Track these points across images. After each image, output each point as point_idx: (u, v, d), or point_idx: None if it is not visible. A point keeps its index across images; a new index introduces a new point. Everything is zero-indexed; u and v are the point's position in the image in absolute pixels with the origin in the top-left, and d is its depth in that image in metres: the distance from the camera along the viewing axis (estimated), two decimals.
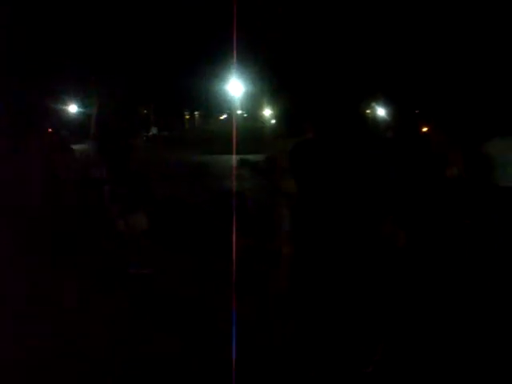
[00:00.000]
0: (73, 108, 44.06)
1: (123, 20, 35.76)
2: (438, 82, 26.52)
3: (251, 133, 33.38)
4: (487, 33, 24.71)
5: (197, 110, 59.86)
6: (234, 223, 7.06)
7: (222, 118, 64.46)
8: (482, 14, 24.80)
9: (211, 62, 36.13)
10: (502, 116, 7.24)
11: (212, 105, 48.52)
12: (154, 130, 45.79)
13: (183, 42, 37.19)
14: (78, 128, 35.07)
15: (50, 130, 9.38)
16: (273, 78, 37.92)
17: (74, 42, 34.65)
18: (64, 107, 41.06)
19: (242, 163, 15.70)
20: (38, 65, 32.55)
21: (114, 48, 36.67)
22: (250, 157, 18.05)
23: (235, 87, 36.70)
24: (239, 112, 52.14)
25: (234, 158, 14.85)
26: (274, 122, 53.56)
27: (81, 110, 44.71)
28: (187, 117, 59.35)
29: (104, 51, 36.66)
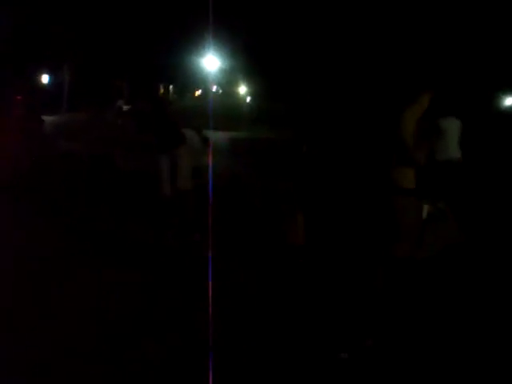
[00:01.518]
0: (45, 78, 43.22)
1: None
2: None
3: (228, 110, 33.06)
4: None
5: (171, 84, 59.12)
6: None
7: (197, 93, 63.92)
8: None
9: (187, 35, 35.65)
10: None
11: (187, 80, 48.04)
12: (120, 103, 44.74)
13: (160, 15, 36.63)
14: (49, 99, 34.41)
15: (18, 97, 9.01)
16: (249, 55, 37.70)
17: (48, 12, 33.97)
18: (35, 77, 40.25)
19: None
20: (10, 35, 31.84)
21: (89, 19, 36.00)
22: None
23: (211, 62, 36.31)
24: (214, 88, 51.67)
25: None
26: (248, 99, 53.46)
27: (53, 80, 43.89)
28: (162, 91, 58.68)
29: (79, 23, 35.99)
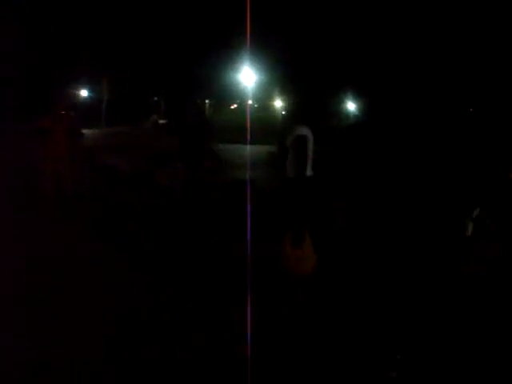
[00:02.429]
0: (84, 93, 43.96)
1: (138, 7, 35.67)
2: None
3: (264, 124, 33.04)
4: None
5: (208, 99, 59.50)
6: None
7: (232, 107, 64.21)
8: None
9: (224, 50, 35.89)
10: None
11: (224, 94, 48.27)
12: (154, 117, 45.27)
13: (196, 30, 36.99)
14: (87, 113, 34.98)
15: (62, 112, 9.13)
16: (285, 69, 37.74)
17: (87, 27, 34.62)
18: (75, 91, 40.95)
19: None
20: (52, 51, 32.54)
21: (127, 34, 36.57)
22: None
23: (247, 77, 36.38)
24: (250, 102, 51.76)
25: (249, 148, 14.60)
26: (284, 113, 53.43)
27: (91, 95, 44.61)
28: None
29: (117, 38, 36.58)
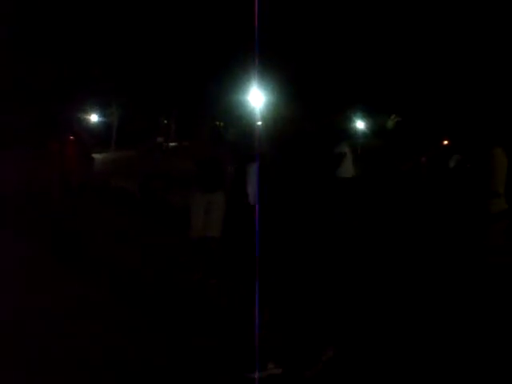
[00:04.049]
0: (93, 117, 44.22)
1: (146, 31, 35.94)
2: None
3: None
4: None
5: (217, 121, 59.83)
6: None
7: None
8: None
9: (232, 71, 36.02)
10: None
11: (232, 115, 48.50)
12: (160, 140, 45.12)
13: (204, 52, 37.18)
14: (98, 137, 35.19)
15: (71, 137, 9.07)
16: (292, 89, 37.77)
17: (98, 49, 34.92)
18: (85, 116, 41.21)
19: None
20: (61, 75, 32.81)
21: (138, 58, 36.84)
22: None
23: (256, 97, 36.42)
24: (259, 123, 51.95)
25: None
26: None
27: (101, 119, 44.86)
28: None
29: (127, 61, 36.86)
